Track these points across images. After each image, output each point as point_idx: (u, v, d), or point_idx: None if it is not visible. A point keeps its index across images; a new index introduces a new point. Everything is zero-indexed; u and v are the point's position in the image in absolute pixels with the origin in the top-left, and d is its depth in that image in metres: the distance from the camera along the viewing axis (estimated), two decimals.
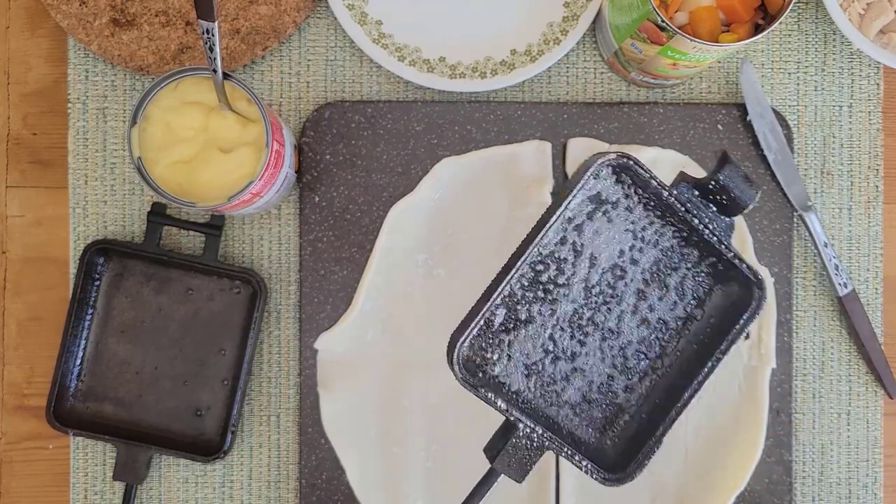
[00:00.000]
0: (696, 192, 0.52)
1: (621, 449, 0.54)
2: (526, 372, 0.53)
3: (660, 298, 0.54)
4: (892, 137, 0.69)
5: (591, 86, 0.68)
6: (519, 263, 0.49)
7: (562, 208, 0.49)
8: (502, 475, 0.51)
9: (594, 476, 0.51)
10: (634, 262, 0.54)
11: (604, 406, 0.55)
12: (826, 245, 0.66)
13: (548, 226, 0.49)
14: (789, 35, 0.69)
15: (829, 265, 0.66)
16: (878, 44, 0.65)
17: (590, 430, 0.54)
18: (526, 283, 0.52)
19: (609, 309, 0.54)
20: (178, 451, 0.64)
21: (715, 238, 0.51)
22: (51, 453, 0.67)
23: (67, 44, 0.67)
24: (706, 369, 0.53)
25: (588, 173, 0.50)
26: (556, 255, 0.52)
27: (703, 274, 0.55)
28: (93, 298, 0.66)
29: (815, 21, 0.69)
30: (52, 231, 0.68)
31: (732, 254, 0.52)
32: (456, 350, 0.49)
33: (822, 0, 0.64)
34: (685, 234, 0.53)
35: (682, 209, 0.51)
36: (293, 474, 0.66)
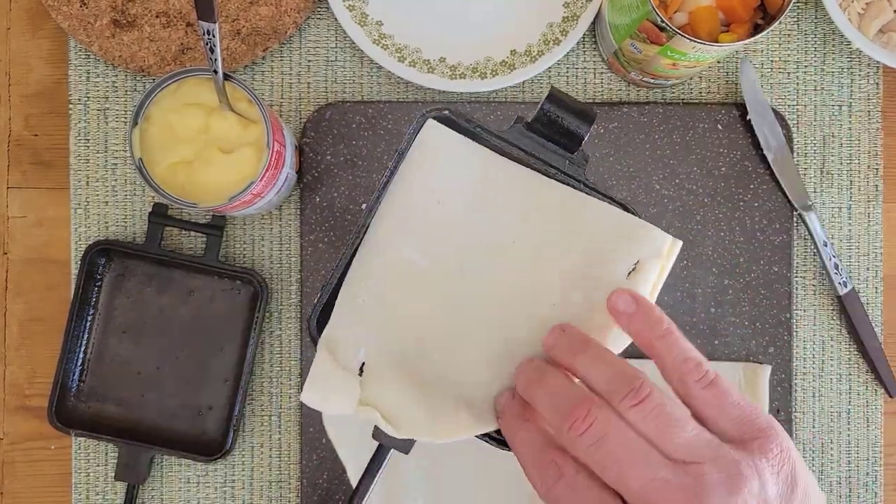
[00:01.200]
0: (532, 133, 0.45)
1: None
2: None
3: None
4: (891, 137, 0.69)
5: (591, 86, 0.68)
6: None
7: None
8: (391, 450, 0.47)
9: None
10: None
11: None
12: (826, 244, 0.66)
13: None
14: (789, 35, 0.69)
15: (829, 264, 0.66)
16: (878, 43, 0.65)
17: None
18: None
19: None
20: (179, 450, 0.64)
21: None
22: (52, 453, 0.67)
23: (68, 45, 0.68)
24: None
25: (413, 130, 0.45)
26: None
27: None
28: (94, 299, 0.66)
29: (814, 21, 0.69)
30: (53, 232, 0.68)
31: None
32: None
33: (822, 0, 0.64)
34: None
35: (524, 153, 0.45)
36: (294, 474, 0.66)
